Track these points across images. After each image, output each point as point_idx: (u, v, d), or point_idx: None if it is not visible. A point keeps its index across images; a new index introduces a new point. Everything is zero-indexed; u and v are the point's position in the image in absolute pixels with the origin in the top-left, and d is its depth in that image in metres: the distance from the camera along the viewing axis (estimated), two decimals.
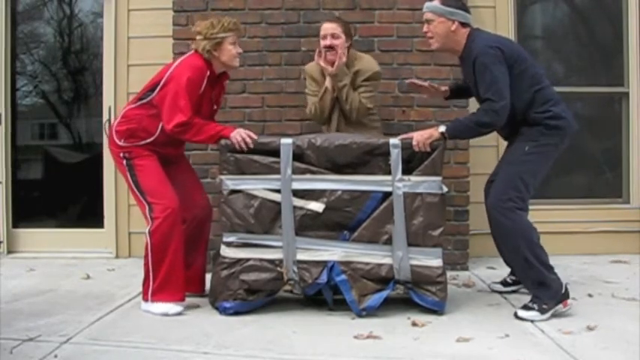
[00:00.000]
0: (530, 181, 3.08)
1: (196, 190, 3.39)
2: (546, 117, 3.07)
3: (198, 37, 3.22)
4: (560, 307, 2.98)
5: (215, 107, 3.38)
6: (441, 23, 3.12)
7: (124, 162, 3.18)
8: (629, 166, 4.73)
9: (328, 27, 3.54)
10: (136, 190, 3.16)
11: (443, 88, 3.51)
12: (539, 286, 2.98)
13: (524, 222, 3.05)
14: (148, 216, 3.11)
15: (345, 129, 3.57)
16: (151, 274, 3.08)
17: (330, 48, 3.50)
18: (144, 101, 3.20)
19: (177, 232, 3.09)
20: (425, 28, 3.21)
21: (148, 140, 3.18)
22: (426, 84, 3.50)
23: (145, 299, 3.11)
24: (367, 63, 3.62)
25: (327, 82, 3.55)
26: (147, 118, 3.18)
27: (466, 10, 3.19)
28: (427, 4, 3.19)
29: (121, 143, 3.18)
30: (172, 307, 3.06)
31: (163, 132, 3.15)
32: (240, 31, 3.32)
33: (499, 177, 3.15)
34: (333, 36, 3.51)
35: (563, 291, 3.00)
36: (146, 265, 3.10)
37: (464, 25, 3.14)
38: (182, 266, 3.12)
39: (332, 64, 3.51)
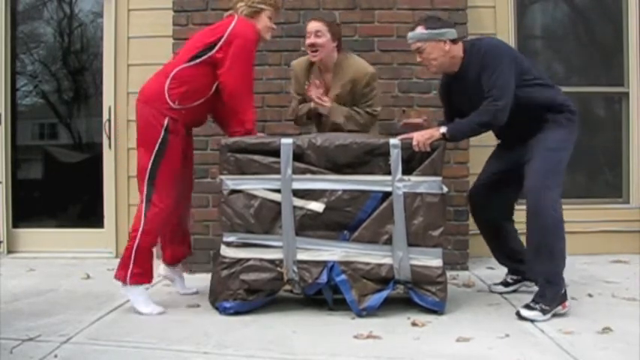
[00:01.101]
0: (564, 168, 3.07)
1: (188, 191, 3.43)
2: (569, 104, 3.11)
3: (239, 5, 3.24)
4: (559, 309, 2.98)
5: None
6: (434, 47, 3.10)
7: (162, 133, 3.06)
8: (629, 166, 4.73)
9: (312, 25, 3.47)
10: (149, 168, 3.08)
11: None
12: (548, 282, 2.96)
13: (560, 212, 3.00)
14: (144, 204, 3.09)
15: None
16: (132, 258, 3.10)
17: (313, 46, 3.44)
18: (198, 60, 3.12)
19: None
20: (418, 58, 3.17)
21: (201, 101, 3.16)
22: (420, 121, 3.34)
23: (124, 282, 3.11)
24: (359, 68, 3.49)
25: (312, 105, 3.47)
26: (201, 78, 3.13)
27: (451, 25, 3.17)
28: (411, 35, 3.14)
29: (175, 106, 3.09)
30: (146, 301, 3.10)
31: (215, 92, 3.16)
32: (279, 10, 3.38)
33: (539, 162, 3.01)
34: (317, 34, 3.43)
35: (563, 291, 3.00)
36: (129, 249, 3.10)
37: (454, 41, 3.13)
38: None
39: (314, 61, 3.49)
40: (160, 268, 3.48)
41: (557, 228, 2.98)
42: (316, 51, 3.45)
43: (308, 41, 3.46)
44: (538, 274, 3.05)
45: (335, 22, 3.63)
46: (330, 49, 3.47)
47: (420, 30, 3.11)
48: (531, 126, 3.12)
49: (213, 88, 3.15)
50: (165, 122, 3.07)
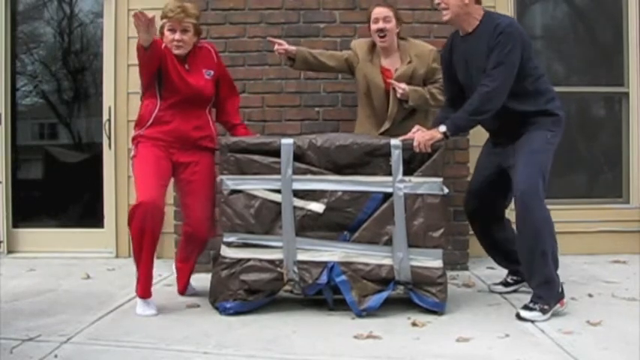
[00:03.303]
0: (549, 170, 3.06)
1: (197, 207, 3.26)
2: (557, 107, 3.10)
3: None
4: (557, 307, 2.99)
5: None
6: None
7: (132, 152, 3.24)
8: (629, 166, 4.73)
9: (381, 10, 3.55)
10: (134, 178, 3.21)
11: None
12: (544, 284, 2.97)
13: (549, 212, 3.00)
14: None
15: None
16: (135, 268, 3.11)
17: (382, 31, 3.51)
18: None
19: (149, 229, 2.99)
20: (437, 0, 3.16)
21: (150, 122, 3.18)
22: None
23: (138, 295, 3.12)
24: (422, 45, 3.63)
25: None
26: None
27: None
28: None
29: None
30: (142, 302, 3.08)
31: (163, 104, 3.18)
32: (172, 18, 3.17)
33: (524, 165, 3.01)
34: (385, 19, 3.52)
35: (560, 290, 3.01)
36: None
37: (477, 1, 3.12)
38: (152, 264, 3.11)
39: (383, 46, 3.56)
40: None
41: (548, 229, 2.99)
42: (385, 36, 3.53)
43: (377, 26, 3.53)
44: (534, 277, 3.03)
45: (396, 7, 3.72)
46: (394, 33, 3.57)
47: None
48: (518, 125, 3.11)
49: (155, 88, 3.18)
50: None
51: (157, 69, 3.10)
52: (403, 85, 3.49)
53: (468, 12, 3.09)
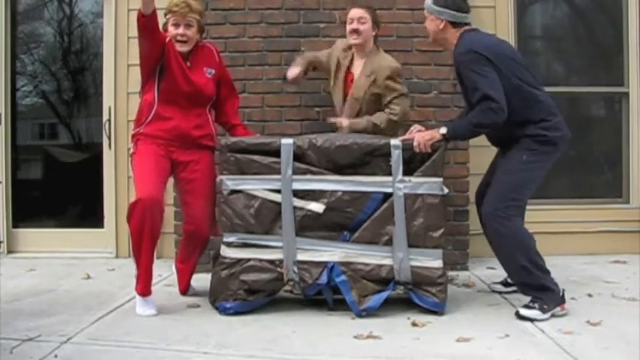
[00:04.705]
0: (525, 190, 3.09)
1: (198, 206, 3.26)
2: (544, 128, 3.04)
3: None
4: (557, 310, 2.99)
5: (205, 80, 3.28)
6: (431, 21, 3.19)
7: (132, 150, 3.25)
8: (629, 166, 4.73)
9: (355, 12, 3.55)
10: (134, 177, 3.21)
11: None
12: (540, 289, 2.98)
13: (520, 229, 3.04)
14: None
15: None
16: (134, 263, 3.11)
17: (356, 32, 3.51)
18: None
19: (148, 225, 2.98)
20: (424, 23, 3.28)
21: (149, 118, 3.18)
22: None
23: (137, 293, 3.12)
24: (381, 61, 3.52)
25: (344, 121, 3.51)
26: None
27: (457, 9, 3.14)
28: (425, 1, 3.24)
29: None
30: (141, 302, 3.07)
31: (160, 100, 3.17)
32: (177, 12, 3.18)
33: (495, 185, 3.10)
34: (360, 20, 3.52)
35: (561, 294, 3.01)
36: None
37: (455, 24, 3.14)
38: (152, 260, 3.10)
39: (353, 44, 3.56)
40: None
41: (518, 244, 3.00)
42: (359, 36, 3.52)
43: (351, 27, 3.54)
44: (526, 289, 3.05)
45: (375, 10, 3.68)
46: (370, 35, 3.56)
47: (428, 1, 3.20)
48: (504, 142, 3.16)
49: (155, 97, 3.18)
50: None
51: (157, 56, 3.10)
52: (343, 121, 3.49)
53: (445, 37, 3.18)
